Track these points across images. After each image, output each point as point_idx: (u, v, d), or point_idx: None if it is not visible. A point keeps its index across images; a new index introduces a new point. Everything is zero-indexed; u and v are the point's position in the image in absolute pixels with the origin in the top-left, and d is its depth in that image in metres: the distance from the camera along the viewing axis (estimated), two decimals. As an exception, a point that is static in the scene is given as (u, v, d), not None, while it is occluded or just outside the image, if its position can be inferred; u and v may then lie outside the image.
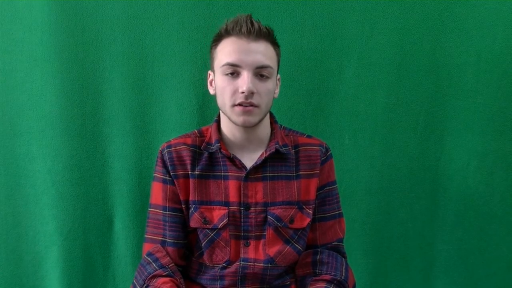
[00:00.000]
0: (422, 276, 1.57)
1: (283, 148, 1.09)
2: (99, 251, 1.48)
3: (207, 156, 1.09)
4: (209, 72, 1.11)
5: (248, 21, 1.00)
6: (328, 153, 1.14)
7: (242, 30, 0.99)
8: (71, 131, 1.42)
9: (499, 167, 1.53)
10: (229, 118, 1.04)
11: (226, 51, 1.01)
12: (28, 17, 1.38)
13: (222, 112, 1.07)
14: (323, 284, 1.04)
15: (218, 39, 1.04)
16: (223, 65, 1.01)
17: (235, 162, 1.07)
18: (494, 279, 1.57)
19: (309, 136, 1.15)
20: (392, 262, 1.56)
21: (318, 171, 1.11)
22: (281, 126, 1.16)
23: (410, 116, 1.49)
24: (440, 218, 1.55)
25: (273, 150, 1.07)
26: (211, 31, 1.33)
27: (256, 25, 1.00)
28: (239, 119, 1.01)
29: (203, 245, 1.07)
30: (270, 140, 1.10)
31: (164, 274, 1.03)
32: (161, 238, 1.09)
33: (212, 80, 1.09)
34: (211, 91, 1.10)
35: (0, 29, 1.39)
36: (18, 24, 1.39)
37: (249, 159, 1.09)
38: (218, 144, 1.07)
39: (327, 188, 1.13)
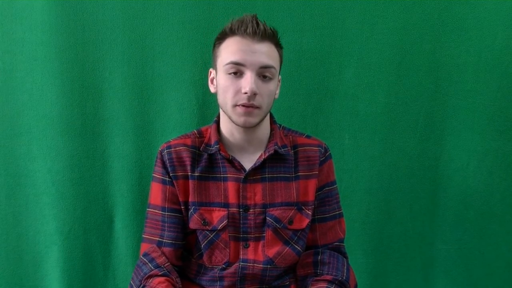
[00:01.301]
0: (422, 276, 1.57)
1: (282, 149, 1.09)
2: (99, 251, 1.49)
3: (206, 157, 1.08)
4: (210, 70, 1.10)
5: (254, 22, 1.00)
6: (327, 154, 1.14)
7: (248, 31, 0.99)
8: (71, 131, 1.43)
9: (499, 166, 1.53)
10: (229, 117, 1.04)
11: (230, 50, 1.01)
12: (28, 17, 1.38)
13: (223, 110, 1.06)
14: (325, 284, 1.03)
15: (222, 37, 1.04)
16: (227, 64, 1.00)
17: (234, 163, 1.07)
18: (493, 279, 1.58)
19: (308, 136, 1.15)
20: (392, 262, 1.56)
21: (316, 172, 1.11)
22: (280, 126, 1.16)
23: (410, 116, 1.49)
24: (440, 218, 1.55)
25: (272, 151, 1.07)
26: (211, 31, 1.34)
27: (261, 26, 1.00)
28: (240, 120, 1.01)
29: (202, 246, 1.07)
30: (269, 141, 1.10)
31: (160, 273, 1.03)
32: (157, 239, 1.08)
33: (213, 78, 1.09)
34: (212, 89, 1.10)
35: (0, 29, 1.39)
36: (18, 24, 1.39)
37: (249, 160, 1.09)
38: (217, 146, 1.07)
39: (327, 188, 1.13)
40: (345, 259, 1.12)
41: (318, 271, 1.08)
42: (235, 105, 1.01)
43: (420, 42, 1.45)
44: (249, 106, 1.00)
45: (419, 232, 1.55)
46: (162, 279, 1.02)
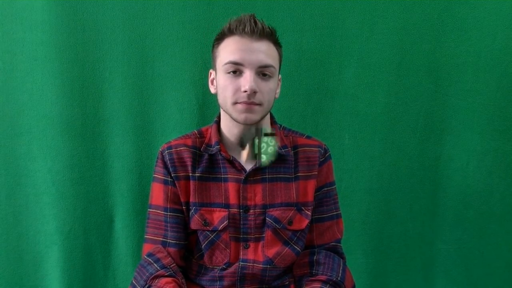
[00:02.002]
0: (422, 276, 1.58)
1: (282, 150, 1.09)
2: (99, 250, 1.49)
3: (207, 158, 1.08)
4: (210, 71, 1.10)
5: (252, 21, 1.00)
6: (327, 154, 1.14)
7: (246, 30, 0.99)
8: (71, 131, 1.43)
9: (499, 166, 1.53)
10: (230, 115, 1.03)
11: (229, 50, 1.01)
12: (28, 17, 1.38)
13: (223, 110, 1.06)
14: (318, 285, 1.03)
15: (220, 37, 1.04)
16: (226, 64, 1.00)
17: (234, 164, 1.07)
18: (493, 279, 1.58)
19: (308, 137, 1.15)
20: (392, 262, 1.56)
21: (316, 173, 1.11)
22: (280, 126, 1.16)
23: (410, 116, 1.49)
24: (440, 218, 1.55)
25: (272, 152, 1.07)
26: (211, 31, 1.34)
27: (259, 24, 1.00)
28: (241, 117, 1.01)
29: (203, 246, 1.07)
30: (270, 141, 1.10)
31: (166, 274, 1.03)
32: (162, 239, 1.08)
33: (213, 79, 1.09)
34: (212, 90, 1.10)
35: (1, 29, 1.39)
36: (18, 24, 1.39)
37: (249, 161, 1.08)
38: (217, 146, 1.07)
39: (325, 189, 1.13)
40: (341, 259, 1.12)
41: (314, 271, 1.08)
42: (235, 103, 1.01)
43: (420, 42, 1.46)
44: (250, 103, 1.00)
45: (419, 232, 1.55)
46: (169, 279, 1.01)
